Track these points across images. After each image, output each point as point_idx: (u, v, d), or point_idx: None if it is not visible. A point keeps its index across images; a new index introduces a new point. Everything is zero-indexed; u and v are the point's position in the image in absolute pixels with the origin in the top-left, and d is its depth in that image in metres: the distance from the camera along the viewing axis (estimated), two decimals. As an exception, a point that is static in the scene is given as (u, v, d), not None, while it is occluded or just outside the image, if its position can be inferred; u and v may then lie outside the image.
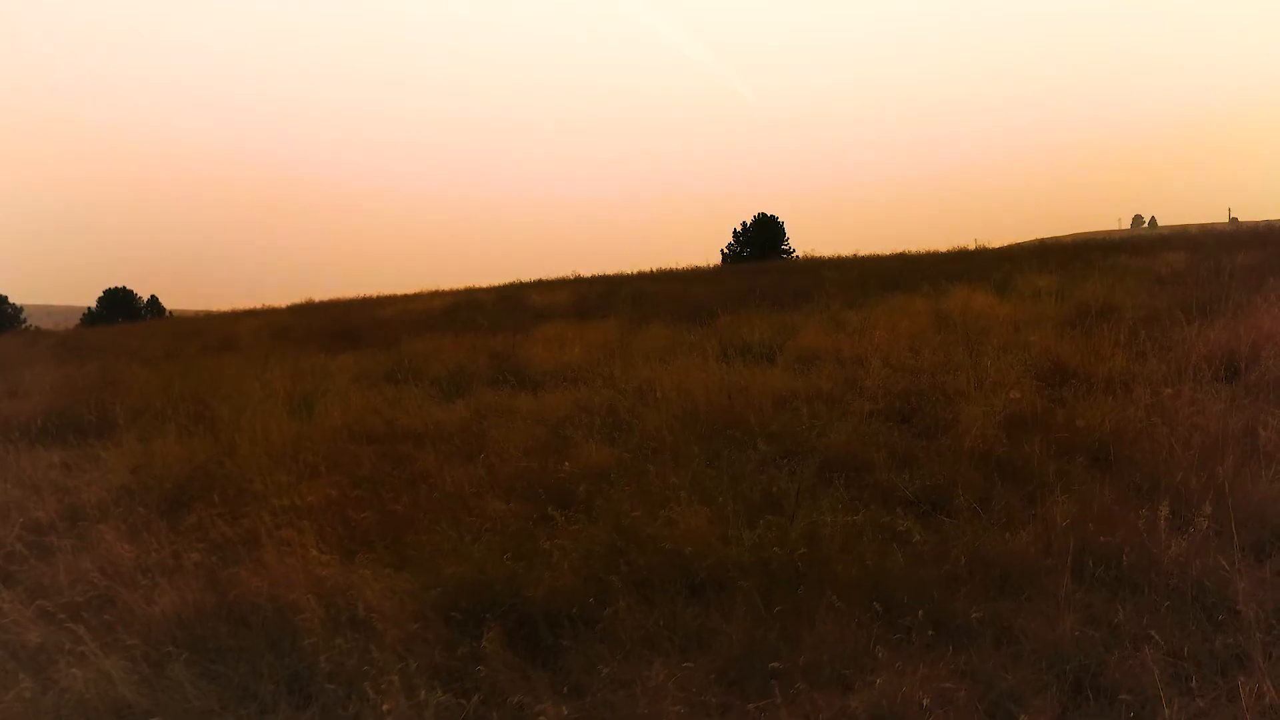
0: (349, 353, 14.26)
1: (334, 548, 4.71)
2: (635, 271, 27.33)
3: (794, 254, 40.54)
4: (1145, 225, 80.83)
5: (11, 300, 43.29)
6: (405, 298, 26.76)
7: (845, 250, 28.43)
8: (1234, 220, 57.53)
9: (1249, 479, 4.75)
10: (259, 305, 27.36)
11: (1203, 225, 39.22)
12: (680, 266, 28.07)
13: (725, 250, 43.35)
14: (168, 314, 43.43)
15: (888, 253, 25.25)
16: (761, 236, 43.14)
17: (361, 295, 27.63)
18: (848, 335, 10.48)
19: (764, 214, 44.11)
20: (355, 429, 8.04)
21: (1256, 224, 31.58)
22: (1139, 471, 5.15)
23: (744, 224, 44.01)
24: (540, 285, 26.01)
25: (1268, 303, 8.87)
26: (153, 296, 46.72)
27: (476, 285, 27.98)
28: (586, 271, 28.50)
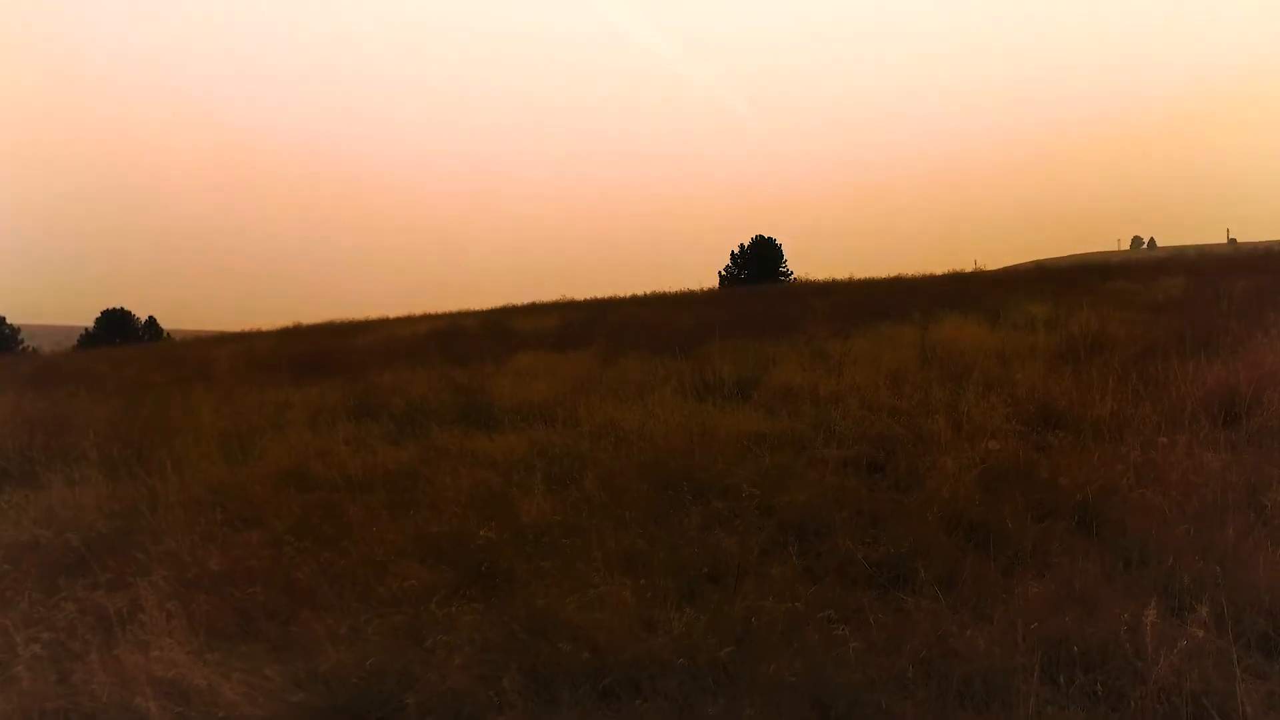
0: (318, 384, 13.74)
1: (210, 629, 4.15)
2: (628, 295, 26.86)
3: (791, 276, 40.09)
4: (1144, 246, 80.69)
5: (10, 321, 42.88)
6: (395, 321, 26.29)
7: (844, 271, 28.07)
8: (1232, 241, 57.29)
9: (1250, 552, 4.18)
10: (250, 328, 26.90)
11: (1200, 246, 38.80)
12: (674, 290, 27.65)
13: (723, 273, 42.91)
14: (166, 335, 43.00)
15: (883, 276, 24.80)
16: (759, 259, 42.70)
17: (349, 319, 27.25)
18: (828, 370, 9.93)
19: (761, 236, 43.76)
20: (291, 473, 7.50)
21: (1255, 245, 31.16)
22: (1128, 539, 4.58)
23: (742, 246, 43.61)
24: (529, 310, 25.55)
25: (1269, 337, 8.32)
26: (150, 318, 46.36)
27: (469, 308, 27.57)
28: (591, 289, 28.17)
